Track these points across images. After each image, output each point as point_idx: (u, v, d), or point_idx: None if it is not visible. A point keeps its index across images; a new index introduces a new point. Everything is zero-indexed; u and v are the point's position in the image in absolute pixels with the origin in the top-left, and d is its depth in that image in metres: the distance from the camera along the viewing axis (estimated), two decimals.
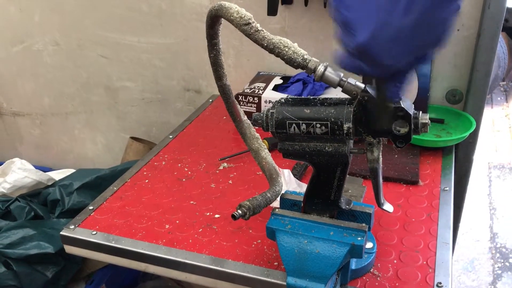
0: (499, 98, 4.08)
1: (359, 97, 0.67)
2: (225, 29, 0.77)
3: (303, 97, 0.74)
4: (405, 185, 1.10)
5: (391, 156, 1.19)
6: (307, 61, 0.68)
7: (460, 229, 1.65)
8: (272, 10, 1.35)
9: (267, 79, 1.47)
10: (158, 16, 1.62)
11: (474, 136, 1.34)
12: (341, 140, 0.71)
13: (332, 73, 0.67)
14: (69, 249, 1.00)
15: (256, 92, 1.39)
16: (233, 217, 0.73)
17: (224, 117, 1.47)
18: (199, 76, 1.68)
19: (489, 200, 2.86)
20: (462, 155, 1.38)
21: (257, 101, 1.38)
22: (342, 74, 0.68)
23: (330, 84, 0.68)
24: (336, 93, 1.35)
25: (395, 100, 0.63)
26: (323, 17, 1.43)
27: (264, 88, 1.41)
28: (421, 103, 1.24)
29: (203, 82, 1.69)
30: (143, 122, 1.88)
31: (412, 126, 0.66)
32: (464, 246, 2.48)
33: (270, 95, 1.38)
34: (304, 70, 0.68)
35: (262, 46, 0.69)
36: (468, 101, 1.34)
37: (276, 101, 0.74)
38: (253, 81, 1.47)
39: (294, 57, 0.68)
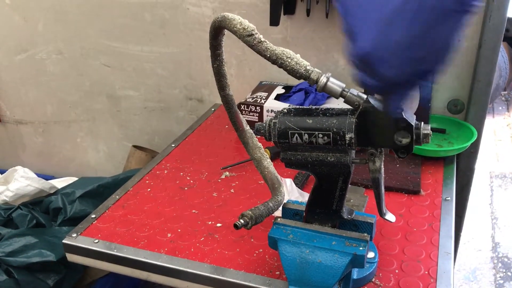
0: (500, 108, 4.08)
1: (361, 107, 0.68)
2: (227, 38, 0.78)
3: (305, 107, 0.75)
4: (406, 194, 1.11)
5: (392, 166, 1.19)
6: (309, 72, 0.68)
7: (461, 238, 1.65)
8: (274, 20, 1.36)
9: (269, 88, 1.47)
10: (161, 26, 1.64)
11: (475, 145, 1.34)
12: (343, 150, 0.71)
13: (334, 84, 0.68)
14: (71, 257, 1.00)
15: (258, 101, 1.40)
16: (235, 226, 0.73)
17: (226, 126, 1.47)
18: (201, 85, 1.69)
19: (491, 210, 2.85)
20: (463, 165, 1.39)
21: (259, 111, 1.39)
22: (344, 85, 0.69)
23: (332, 95, 0.68)
24: (337, 103, 1.36)
25: (395, 114, 0.64)
26: (325, 27, 1.44)
27: (266, 98, 1.41)
28: (423, 113, 1.25)
29: (205, 91, 1.70)
30: (146, 131, 1.88)
31: (414, 137, 0.66)
32: (466, 255, 2.47)
33: (272, 105, 1.38)
34: (307, 81, 0.69)
35: (265, 57, 0.69)
36: (469, 111, 1.34)
37: (278, 111, 0.75)
38: (255, 91, 1.48)
39: (297, 68, 0.68)
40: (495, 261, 2.46)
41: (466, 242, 2.55)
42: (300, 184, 1.12)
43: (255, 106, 1.39)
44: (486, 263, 2.45)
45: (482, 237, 2.62)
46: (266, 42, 0.69)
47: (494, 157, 3.37)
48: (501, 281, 2.34)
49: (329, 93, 0.68)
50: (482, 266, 2.43)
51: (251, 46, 0.70)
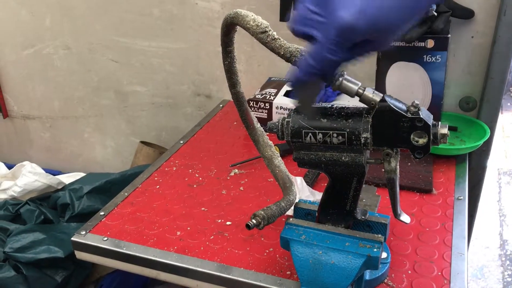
0: (509, 104, 4.03)
1: (377, 107, 0.66)
2: (236, 34, 0.77)
3: (319, 106, 0.73)
4: (418, 193, 1.09)
5: (404, 164, 1.18)
6: None
7: None
8: (284, 16, 1.34)
9: (278, 84, 1.46)
10: (169, 21, 1.62)
11: (487, 144, 1.32)
12: (358, 150, 0.70)
13: (350, 82, 0.66)
14: (80, 255, 0.99)
15: (267, 98, 1.39)
16: (248, 226, 0.72)
17: (235, 123, 1.46)
18: (209, 81, 1.68)
19: (499, 207, 2.83)
20: (475, 163, 1.37)
21: (268, 107, 1.38)
22: (360, 83, 0.67)
23: (348, 94, 0.67)
24: (348, 99, 1.34)
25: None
26: None
27: (276, 94, 1.40)
28: (435, 110, 1.23)
29: (214, 87, 1.68)
30: (153, 127, 1.88)
31: (431, 137, 0.65)
32: (474, 253, 2.46)
33: (282, 101, 1.37)
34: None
35: (278, 54, 0.68)
36: (482, 109, 1.32)
37: (291, 109, 0.74)
38: (264, 87, 1.47)
39: None
40: (503, 259, 2.44)
41: (474, 239, 2.53)
42: (311, 182, 1.11)
43: (264, 102, 1.38)
44: (494, 260, 2.43)
45: (490, 234, 2.60)
46: (280, 39, 0.68)
47: (503, 153, 3.34)
48: (509, 279, 2.32)
49: (345, 92, 0.67)
50: (489, 264, 2.41)
51: (265, 43, 0.68)
